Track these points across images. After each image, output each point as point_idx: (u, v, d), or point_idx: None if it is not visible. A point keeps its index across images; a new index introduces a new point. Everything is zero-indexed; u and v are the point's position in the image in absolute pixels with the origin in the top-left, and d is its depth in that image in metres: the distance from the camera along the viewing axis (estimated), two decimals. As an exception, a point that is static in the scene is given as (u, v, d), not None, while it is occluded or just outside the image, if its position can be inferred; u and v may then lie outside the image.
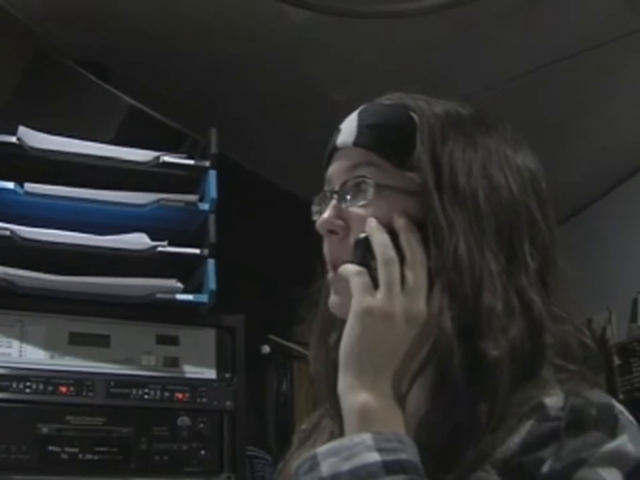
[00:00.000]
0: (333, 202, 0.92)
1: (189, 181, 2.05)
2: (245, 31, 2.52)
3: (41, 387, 1.80)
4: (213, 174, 2.04)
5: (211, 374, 1.97)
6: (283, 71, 2.70)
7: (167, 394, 1.90)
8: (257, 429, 3.06)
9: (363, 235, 0.88)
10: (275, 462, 2.75)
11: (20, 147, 1.90)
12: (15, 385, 1.77)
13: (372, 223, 0.87)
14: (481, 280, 0.83)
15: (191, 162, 2.05)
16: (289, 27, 2.51)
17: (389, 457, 0.76)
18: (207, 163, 2.05)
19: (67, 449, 1.78)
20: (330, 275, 0.93)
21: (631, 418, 0.81)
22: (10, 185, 1.87)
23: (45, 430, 1.77)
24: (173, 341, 1.96)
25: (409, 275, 0.84)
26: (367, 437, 0.77)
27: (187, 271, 2.00)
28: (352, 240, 0.89)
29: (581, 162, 3.38)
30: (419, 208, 0.87)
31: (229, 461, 1.93)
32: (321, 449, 0.79)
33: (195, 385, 1.94)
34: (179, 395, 1.91)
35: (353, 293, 0.84)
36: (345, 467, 0.76)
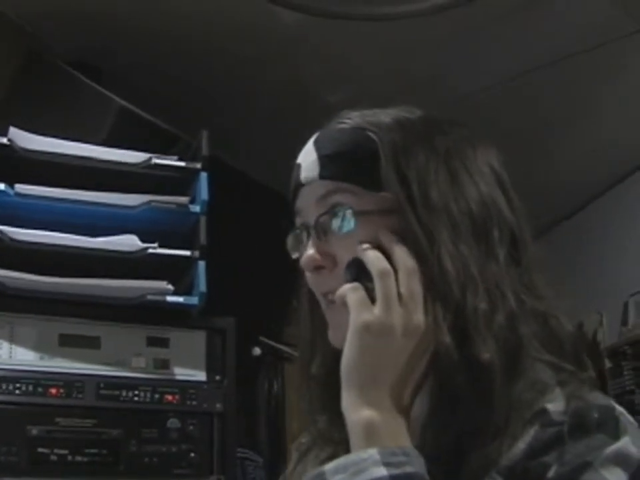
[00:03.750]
0: (312, 238, 0.92)
1: (180, 182, 2.05)
2: (239, 34, 2.52)
3: (30, 388, 1.79)
4: (204, 176, 2.04)
5: (201, 376, 1.97)
6: (277, 73, 2.70)
7: (156, 396, 1.90)
8: (248, 431, 3.06)
9: (353, 258, 0.88)
10: (266, 464, 2.75)
11: (11, 147, 1.90)
12: (4, 387, 1.77)
13: (363, 245, 0.88)
14: (465, 284, 0.84)
15: (182, 164, 2.05)
16: (283, 29, 2.51)
17: (396, 471, 0.77)
18: (198, 165, 2.05)
19: (56, 451, 1.78)
20: (323, 306, 0.93)
21: (631, 419, 0.83)
22: (0, 185, 1.87)
23: (34, 432, 1.77)
24: (163, 342, 1.96)
25: (405, 286, 0.84)
26: (373, 452, 0.78)
27: (177, 272, 2.00)
28: (341, 269, 0.89)
29: (574, 164, 3.38)
30: (397, 224, 0.88)
31: (218, 463, 1.92)
32: (329, 466, 0.80)
33: (185, 387, 1.94)
34: (169, 397, 1.91)
35: (350, 308, 0.84)
36: None
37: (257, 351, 2.73)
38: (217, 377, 1.98)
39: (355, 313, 0.84)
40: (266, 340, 2.77)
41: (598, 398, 0.83)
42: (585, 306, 3.37)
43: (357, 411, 0.82)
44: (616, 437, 0.79)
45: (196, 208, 2.02)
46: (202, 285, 1.95)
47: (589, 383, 0.87)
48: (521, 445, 0.80)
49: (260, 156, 2.83)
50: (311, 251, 0.91)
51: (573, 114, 3.05)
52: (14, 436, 1.75)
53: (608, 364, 3.32)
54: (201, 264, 1.98)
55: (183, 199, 2.02)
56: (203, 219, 2.02)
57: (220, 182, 2.04)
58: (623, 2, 2.46)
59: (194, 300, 1.96)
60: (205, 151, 2.06)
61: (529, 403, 0.83)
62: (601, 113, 3.08)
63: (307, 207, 0.93)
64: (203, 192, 2.01)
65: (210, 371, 1.98)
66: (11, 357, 1.82)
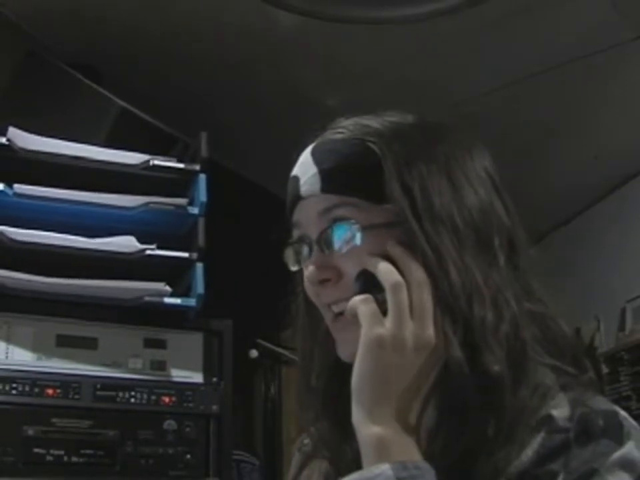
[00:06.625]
0: (316, 251, 0.90)
1: (178, 184, 2.05)
2: (238, 36, 2.52)
3: (27, 388, 1.79)
4: (202, 178, 2.04)
5: (197, 378, 1.97)
6: (276, 76, 2.70)
7: (153, 397, 1.90)
8: (244, 433, 3.06)
9: (363, 269, 0.87)
10: (262, 466, 2.75)
11: (10, 147, 1.90)
12: (0, 387, 1.77)
13: (373, 257, 0.87)
14: (471, 295, 0.84)
15: (181, 165, 2.06)
16: (282, 31, 2.51)
17: None
18: (197, 167, 2.05)
19: (52, 452, 1.78)
20: (328, 319, 0.92)
21: (634, 423, 0.83)
22: (-1, 185, 1.87)
23: (30, 432, 1.77)
24: (161, 344, 1.96)
25: (416, 299, 0.84)
26: (385, 468, 0.79)
27: (175, 274, 2.00)
28: (346, 281, 0.88)
29: (572, 170, 3.39)
30: (402, 236, 0.86)
31: (214, 465, 1.92)
32: None
33: (182, 388, 1.94)
34: (166, 399, 1.91)
35: (362, 322, 0.84)
36: None
37: (254, 353, 2.73)
38: (214, 379, 1.98)
39: (367, 326, 0.83)
40: (263, 342, 2.77)
41: (602, 403, 0.84)
42: (582, 311, 3.37)
43: (368, 427, 0.82)
44: (620, 442, 0.80)
45: (194, 210, 2.01)
46: (200, 287, 1.95)
47: (591, 385, 0.88)
48: (529, 452, 0.81)
49: (258, 158, 2.84)
50: (316, 265, 0.89)
51: (570, 120, 3.06)
52: (10, 436, 1.75)
53: (605, 369, 3.32)
54: (199, 266, 1.98)
55: (182, 201, 2.02)
56: (201, 221, 2.02)
57: (219, 184, 2.04)
58: (621, 9, 2.47)
59: (191, 302, 1.96)
60: (203, 152, 2.06)
61: (534, 409, 0.83)
62: (598, 120, 3.08)
63: (308, 221, 0.92)
64: (202, 194, 2.02)
65: (207, 372, 1.98)
66: (7, 357, 1.81)
